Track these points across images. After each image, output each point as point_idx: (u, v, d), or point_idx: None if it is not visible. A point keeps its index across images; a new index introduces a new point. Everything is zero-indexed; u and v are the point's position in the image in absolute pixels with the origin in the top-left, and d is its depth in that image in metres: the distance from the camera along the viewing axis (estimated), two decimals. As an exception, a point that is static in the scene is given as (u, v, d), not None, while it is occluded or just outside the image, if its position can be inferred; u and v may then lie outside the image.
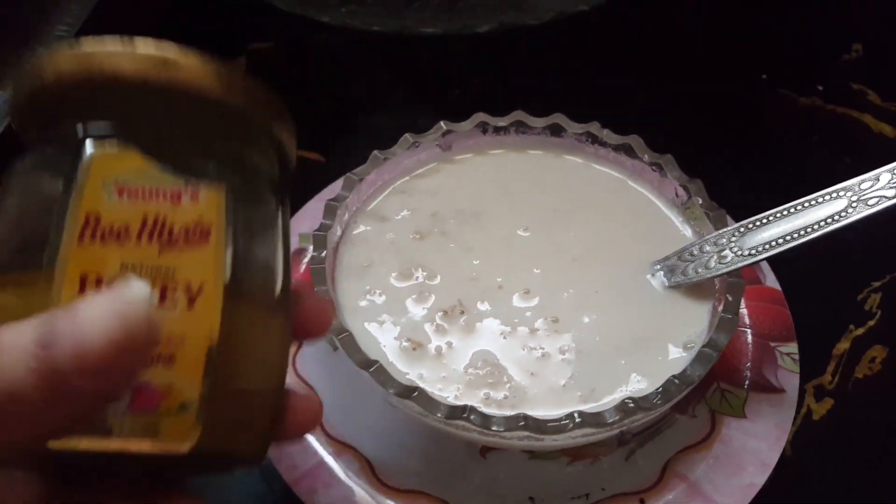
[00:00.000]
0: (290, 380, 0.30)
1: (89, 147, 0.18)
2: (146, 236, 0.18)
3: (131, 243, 0.17)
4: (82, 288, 0.17)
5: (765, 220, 0.27)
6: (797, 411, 0.31)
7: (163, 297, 0.17)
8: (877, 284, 0.37)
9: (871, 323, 0.36)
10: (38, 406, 0.15)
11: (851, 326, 0.35)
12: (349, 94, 0.49)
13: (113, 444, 0.17)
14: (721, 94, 0.48)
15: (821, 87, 0.48)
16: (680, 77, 0.49)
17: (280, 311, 0.20)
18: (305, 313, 0.21)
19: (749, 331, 0.31)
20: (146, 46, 0.18)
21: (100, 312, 0.15)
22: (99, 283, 0.17)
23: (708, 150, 0.44)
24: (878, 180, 0.25)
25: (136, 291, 0.15)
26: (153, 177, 0.18)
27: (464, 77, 0.49)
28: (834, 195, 0.26)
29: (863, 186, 0.25)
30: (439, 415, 0.24)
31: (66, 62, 0.18)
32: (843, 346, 0.35)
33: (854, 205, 0.25)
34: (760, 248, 0.27)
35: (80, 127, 0.18)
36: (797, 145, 0.45)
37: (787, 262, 0.33)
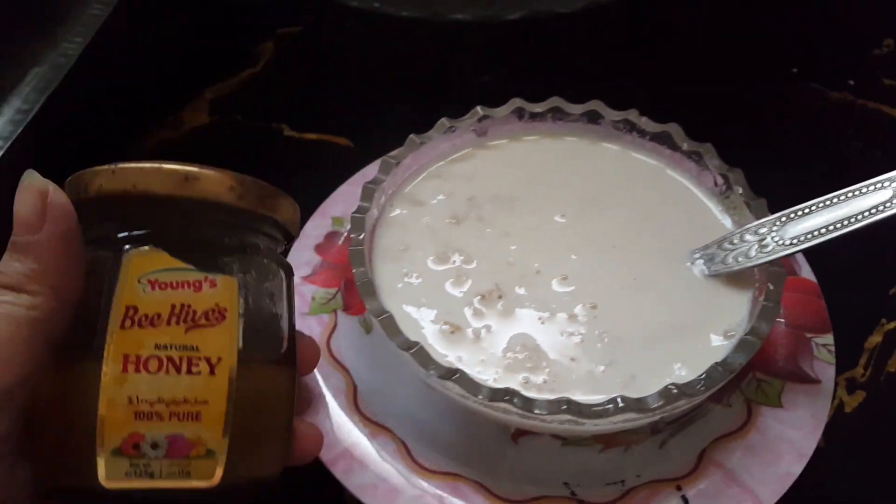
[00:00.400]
0: (324, 361, 0.31)
1: (127, 250, 0.23)
2: (174, 320, 0.22)
3: (163, 326, 0.22)
4: (125, 366, 0.22)
5: (807, 210, 0.27)
6: (830, 403, 0.31)
7: (190, 367, 0.22)
8: (910, 279, 0.37)
9: (904, 317, 0.35)
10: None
11: (884, 320, 0.35)
12: (377, 79, 0.49)
13: (156, 484, 0.22)
14: (752, 87, 0.48)
15: (852, 82, 0.48)
16: (709, 70, 0.49)
17: (286, 362, 0.25)
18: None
19: (784, 322, 0.31)
20: (171, 166, 0.23)
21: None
22: (137, 360, 0.22)
23: (739, 143, 0.43)
24: (926, 171, 0.25)
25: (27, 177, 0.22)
26: (179, 271, 0.23)
27: (493, 65, 0.49)
28: (878, 185, 0.26)
29: (909, 177, 0.25)
30: (481, 397, 0.24)
31: (106, 180, 0.23)
32: (876, 339, 0.35)
33: (900, 195, 0.25)
34: (802, 238, 0.27)
35: (117, 233, 0.23)
36: (828, 139, 0.45)
37: (822, 255, 0.33)
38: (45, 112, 0.32)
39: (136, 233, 0.23)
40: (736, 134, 0.44)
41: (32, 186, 0.22)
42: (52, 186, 0.22)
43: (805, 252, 0.33)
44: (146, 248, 0.23)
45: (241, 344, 0.23)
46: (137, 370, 0.22)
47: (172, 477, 0.22)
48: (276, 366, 0.25)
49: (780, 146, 0.44)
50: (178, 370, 0.22)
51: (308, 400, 0.30)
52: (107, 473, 0.22)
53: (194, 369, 0.22)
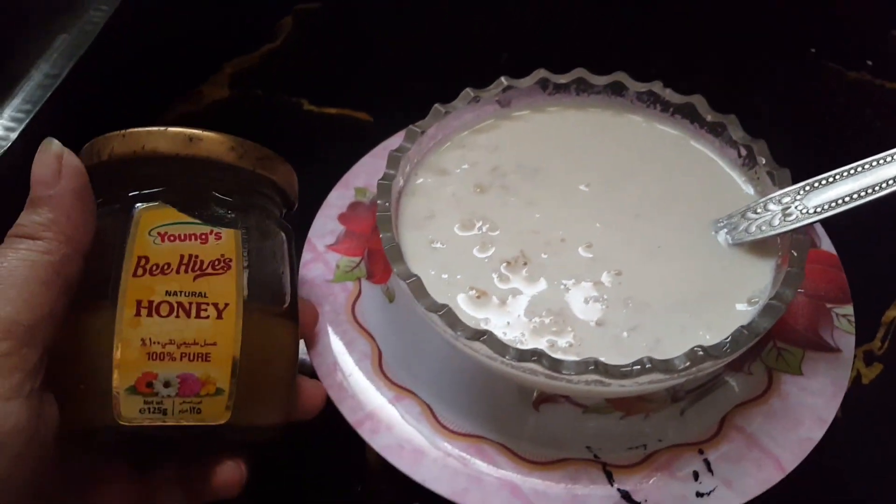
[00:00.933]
0: (349, 326, 0.31)
1: (137, 206, 0.25)
2: (183, 269, 0.24)
3: (172, 274, 0.24)
4: (137, 311, 0.24)
5: (831, 179, 0.27)
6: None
7: (199, 312, 0.24)
8: (927, 255, 0.37)
9: (921, 292, 0.36)
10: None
11: (901, 295, 0.36)
12: (397, 54, 0.49)
13: (169, 421, 0.24)
14: (771, 67, 0.48)
15: (870, 62, 0.48)
16: (730, 49, 0.49)
17: (289, 317, 0.27)
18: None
19: (805, 292, 0.31)
20: (176, 129, 0.25)
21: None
22: (150, 305, 0.24)
23: (759, 122, 0.44)
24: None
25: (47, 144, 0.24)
26: (186, 225, 0.25)
27: (512, 41, 0.49)
28: (903, 154, 0.26)
29: (935, 146, 0.25)
30: (508, 357, 0.24)
31: (118, 143, 0.25)
32: (893, 313, 0.35)
33: (926, 164, 0.25)
34: (826, 206, 0.27)
35: (129, 192, 0.25)
36: (845, 118, 0.45)
37: (840, 230, 0.33)
38: (73, 78, 0.32)
39: (146, 191, 0.25)
40: (756, 112, 0.44)
41: (49, 150, 0.24)
42: (66, 151, 0.24)
43: (825, 226, 0.33)
44: (156, 203, 0.25)
45: (246, 292, 0.25)
46: (150, 314, 0.24)
47: (184, 414, 0.24)
48: (279, 318, 0.26)
49: (798, 126, 0.44)
50: (188, 314, 0.24)
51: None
52: (122, 411, 0.23)
53: (203, 314, 0.24)
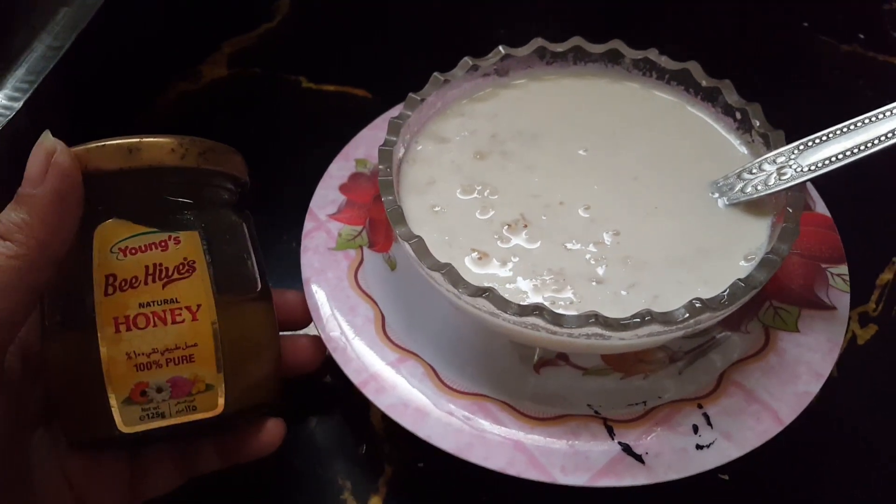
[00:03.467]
0: (352, 293, 0.31)
1: (93, 225, 0.25)
2: (150, 279, 0.25)
3: (141, 287, 0.25)
4: (116, 328, 0.24)
5: (824, 138, 0.28)
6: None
7: (174, 318, 0.25)
8: (920, 219, 0.38)
9: (915, 255, 0.36)
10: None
11: (895, 259, 0.36)
12: (395, 31, 0.49)
13: (169, 421, 0.25)
14: (765, 40, 0.48)
15: (862, 35, 0.48)
16: (725, 23, 0.49)
17: (262, 298, 0.28)
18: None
19: (800, 252, 0.32)
20: (113, 142, 0.25)
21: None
22: (126, 320, 0.24)
23: (752, 99, 0.44)
24: (943, 95, 0.25)
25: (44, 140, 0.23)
26: (144, 235, 0.25)
27: (509, 18, 0.49)
28: (894, 111, 0.27)
29: (926, 101, 0.26)
30: (510, 313, 0.25)
31: None
32: (887, 276, 0.36)
33: (918, 119, 0.26)
34: (820, 164, 0.27)
35: (83, 212, 0.24)
36: (840, 92, 0.46)
37: (835, 193, 0.34)
38: (75, 50, 0.32)
39: (99, 208, 0.25)
40: (750, 84, 0.45)
41: (42, 145, 0.23)
42: (60, 147, 0.23)
43: (819, 189, 0.34)
44: (110, 220, 0.25)
45: (214, 288, 0.25)
46: (129, 329, 0.24)
47: (181, 413, 0.25)
48: (253, 303, 0.27)
49: (792, 97, 0.45)
50: (164, 322, 0.25)
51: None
52: (123, 421, 0.24)
53: (178, 318, 0.25)
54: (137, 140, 0.25)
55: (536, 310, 0.25)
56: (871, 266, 0.36)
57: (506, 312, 0.25)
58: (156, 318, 0.25)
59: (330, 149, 0.37)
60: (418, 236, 0.27)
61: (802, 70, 0.47)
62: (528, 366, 0.31)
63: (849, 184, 0.32)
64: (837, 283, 0.31)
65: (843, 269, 0.31)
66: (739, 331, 0.30)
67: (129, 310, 0.24)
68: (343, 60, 0.47)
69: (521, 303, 0.26)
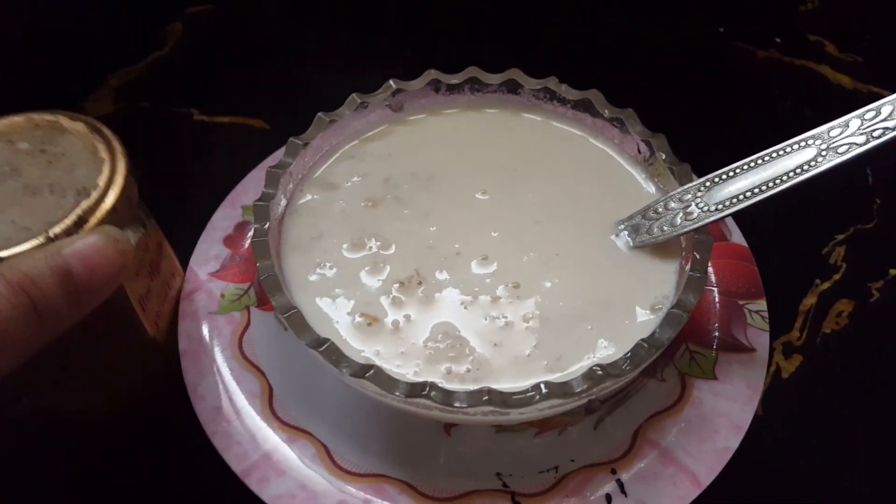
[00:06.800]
0: (235, 364, 0.28)
1: None
2: None
3: None
4: None
5: (731, 174, 0.26)
6: (766, 370, 0.31)
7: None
8: (840, 237, 0.37)
9: (837, 276, 0.35)
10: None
11: (817, 281, 0.35)
12: (295, 56, 0.46)
13: None
14: (679, 48, 0.47)
15: (778, 40, 0.47)
16: (637, 32, 0.48)
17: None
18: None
19: (716, 290, 0.30)
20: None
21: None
22: None
23: (668, 106, 0.42)
24: (848, 127, 0.24)
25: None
26: None
27: (417, 36, 0.47)
28: (802, 144, 0.25)
29: (832, 134, 0.24)
30: (398, 393, 0.22)
31: None
32: (810, 301, 0.34)
33: (823, 153, 0.24)
34: (728, 203, 0.26)
35: None
36: (757, 98, 0.44)
37: (752, 219, 0.32)
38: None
39: None
40: (668, 98, 0.43)
41: (120, 245, 0.22)
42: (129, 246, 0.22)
43: (735, 216, 0.32)
44: None
45: None
46: None
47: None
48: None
49: (710, 107, 0.44)
50: None
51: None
52: None
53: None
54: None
55: (425, 389, 0.22)
56: (793, 291, 0.34)
57: (393, 393, 0.22)
58: None
59: (220, 189, 0.34)
60: (295, 308, 0.24)
61: (721, 78, 0.46)
62: (439, 427, 0.28)
63: (764, 206, 0.31)
64: (756, 320, 0.29)
65: (762, 304, 0.29)
66: (656, 378, 0.28)
67: None
68: (238, 90, 0.44)
69: (413, 378, 0.24)
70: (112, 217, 0.24)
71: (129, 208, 0.25)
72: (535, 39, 0.47)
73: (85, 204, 0.23)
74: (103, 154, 0.25)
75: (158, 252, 0.29)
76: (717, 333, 0.29)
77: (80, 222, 0.23)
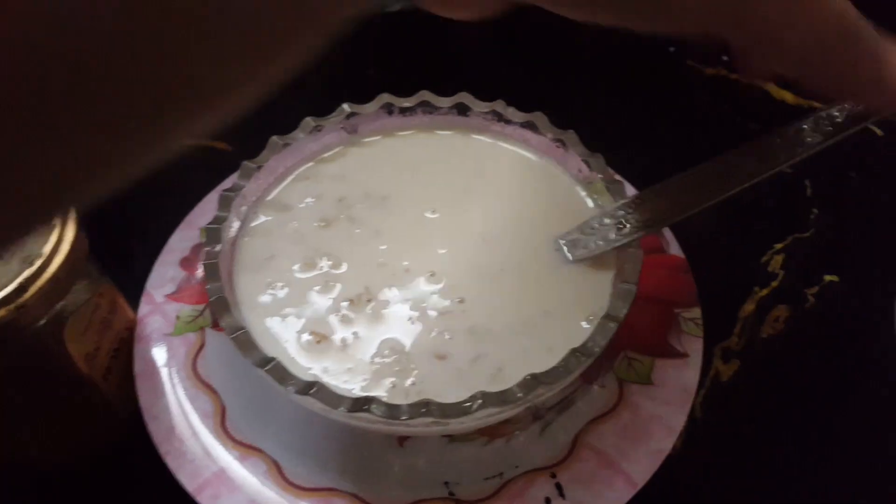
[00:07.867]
0: (189, 384, 0.29)
1: None
2: None
3: None
4: None
5: (663, 189, 0.28)
6: (706, 374, 0.32)
7: None
8: (779, 246, 0.38)
9: (775, 284, 0.37)
10: None
11: (756, 288, 0.37)
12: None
13: None
14: (630, 68, 0.49)
15: (725, 58, 0.49)
16: (588, 53, 0.49)
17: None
18: None
19: (654, 298, 0.31)
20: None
21: None
22: None
23: (620, 125, 0.44)
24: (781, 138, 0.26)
25: None
26: None
27: (376, 58, 0.48)
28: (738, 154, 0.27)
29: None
30: (342, 409, 0.23)
31: None
32: (749, 307, 0.36)
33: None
34: (658, 218, 0.27)
35: None
36: (706, 115, 0.46)
37: (691, 229, 0.34)
38: None
39: None
40: (619, 117, 0.45)
41: None
42: None
43: (675, 228, 0.34)
44: None
45: None
46: None
47: None
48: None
49: (658, 126, 0.45)
50: None
51: None
52: None
53: None
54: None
55: (367, 404, 0.23)
56: (732, 299, 0.36)
57: (337, 409, 0.23)
58: None
59: (181, 211, 0.35)
60: (242, 328, 0.25)
61: (669, 96, 0.47)
62: (391, 439, 0.29)
63: (704, 215, 0.32)
64: (690, 327, 0.31)
65: (696, 312, 0.31)
66: (597, 384, 0.30)
67: None
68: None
69: (359, 393, 0.25)
70: (54, 285, 0.24)
71: (76, 272, 0.25)
72: (488, 63, 0.48)
73: (27, 272, 0.23)
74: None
75: (111, 308, 0.29)
76: (652, 340, 0.30)
77: (21, 290, 0.23)
